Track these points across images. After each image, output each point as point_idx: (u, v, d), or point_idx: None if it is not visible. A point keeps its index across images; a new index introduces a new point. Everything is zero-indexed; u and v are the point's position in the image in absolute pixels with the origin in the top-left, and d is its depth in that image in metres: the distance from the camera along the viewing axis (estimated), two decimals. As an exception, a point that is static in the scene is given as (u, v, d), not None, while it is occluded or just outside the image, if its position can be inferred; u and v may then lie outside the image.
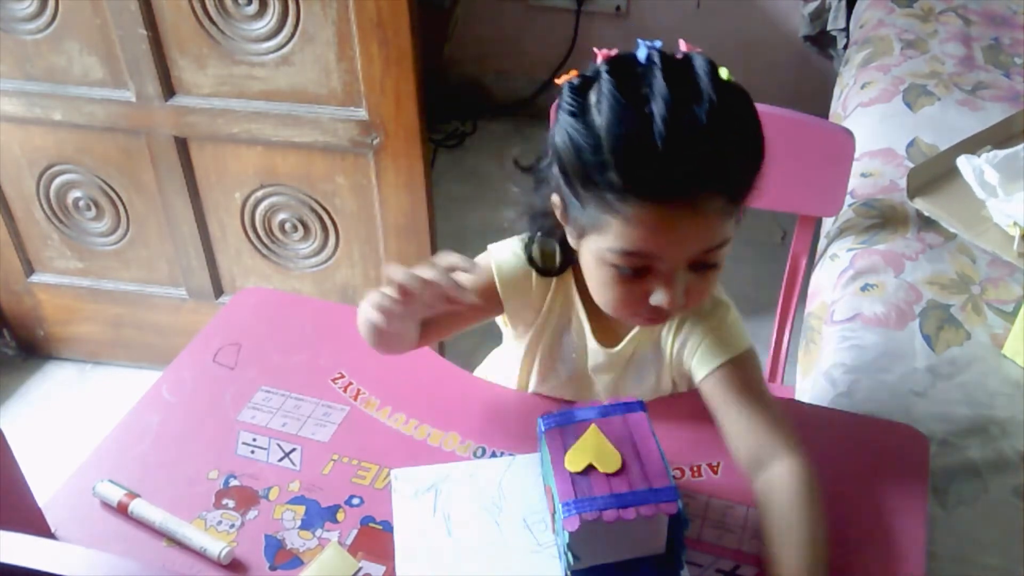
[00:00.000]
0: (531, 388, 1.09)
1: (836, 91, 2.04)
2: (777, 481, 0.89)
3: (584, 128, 0.81)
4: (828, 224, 1.64)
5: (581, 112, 0.82)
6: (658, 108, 0.78)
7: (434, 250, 1.87)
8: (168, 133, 1.79)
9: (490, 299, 1.01)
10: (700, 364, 0.98)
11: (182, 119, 1.77)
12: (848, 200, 1.57)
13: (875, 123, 1.76)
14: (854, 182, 1.59)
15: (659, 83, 0.79)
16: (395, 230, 1.84)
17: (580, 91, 0.84)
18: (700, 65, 0.82)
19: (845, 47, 2.35)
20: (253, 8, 1.63)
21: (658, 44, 0.84)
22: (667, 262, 0.85)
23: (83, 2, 1.66)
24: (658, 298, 0.86)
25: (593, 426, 0.87)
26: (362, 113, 1.70)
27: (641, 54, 0.83)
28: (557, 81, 0.87)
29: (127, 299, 2.07)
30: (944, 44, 1.97)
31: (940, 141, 1.67)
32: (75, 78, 1.76)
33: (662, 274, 0.85)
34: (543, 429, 0.88)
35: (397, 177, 1.76)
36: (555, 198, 0.90)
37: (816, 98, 2.19)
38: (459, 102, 2.92)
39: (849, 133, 1.39)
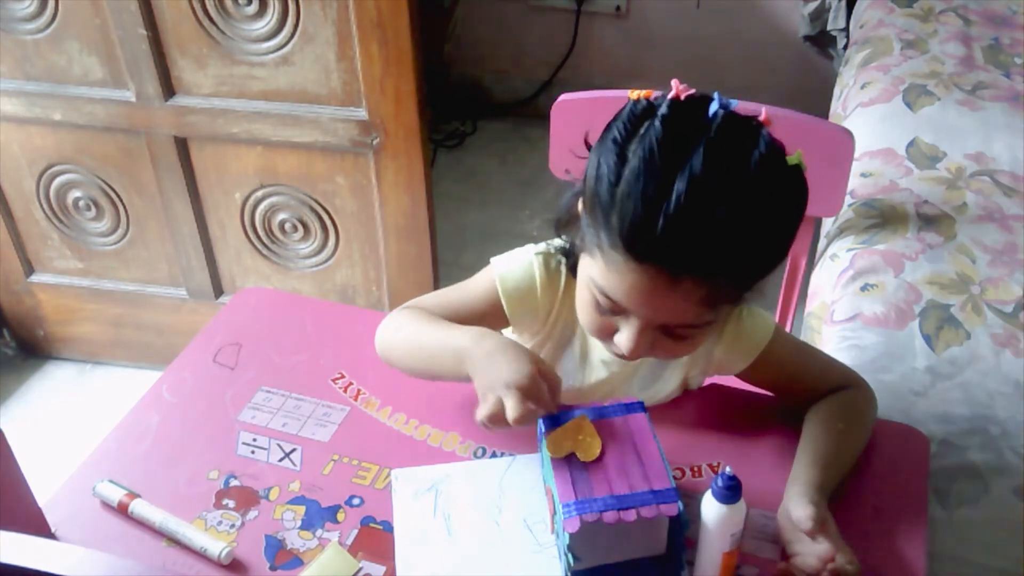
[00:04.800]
0: None
1: (836, 91, 2.04)
2: (820, 404, 0.98)
3: (615, 163, 0.80)
4: (828, 224, 1.64)
5: (623, 144, 0.81)
6: (681, 186, 0.76)
7: (434, 250, 1.87)
8: (168, 133, 1.79)
9: (494, 314, 1.01)
10: (738, 359, 1.00)
11: (182, 119, 1.77)
12: (848, 200, 1.57)
13: (875, 123, 1.76)
14: (854, 182, 1.59)
15: (699, 158, 0.76)
16: (395, 230, 1.84)
17: (637, 120, 0.82)
18: (758, 150, 0.79)
19: (845, 47, 2.35)
20: (253, 8, 1.63)
21: (734, 104, 0.81)
22: (636, 316, 0.85)
23: (83, 2, 1.66)
24: (620, 339, 0.87)
25: (582, 415, 0.87)
26: (362, 113, 1.70)
27: (712, 107, 0.81)
28: (631, 95, 0.84)
29: (127, 299, 2.07)
30: (944, 44, 1.97)
31: (940, 141, 1.67)
32: (75, 78, 1.76)
33: (632, 322, 0.86)
34: (543, 430, 0.88)
35: (397, 177, 1.76)
36: (580, 203, 0.89)
37: (816, 98, 2.19)
38: (459, 102, 2.92)
39: (849, 133, 1.39)
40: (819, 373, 1.03)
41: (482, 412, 0.86)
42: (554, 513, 0.86)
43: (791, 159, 0.82)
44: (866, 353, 1.29)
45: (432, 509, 0.93)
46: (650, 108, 0.82)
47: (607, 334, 0.90)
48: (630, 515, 0.79)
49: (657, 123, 0.79)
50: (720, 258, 0.79)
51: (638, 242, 0.79)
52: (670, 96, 0.82)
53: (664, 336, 0.87)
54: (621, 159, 0.80)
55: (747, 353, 0.99)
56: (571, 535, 0.79)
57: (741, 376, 1.03)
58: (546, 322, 1.02)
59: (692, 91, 0.82)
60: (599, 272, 0.84)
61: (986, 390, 1.23)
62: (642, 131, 0.80)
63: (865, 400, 1.01)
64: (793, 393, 1.03)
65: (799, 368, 1.03)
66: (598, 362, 1.02)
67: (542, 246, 1.01)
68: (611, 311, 0.87)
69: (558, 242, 0.99)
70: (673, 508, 0.80)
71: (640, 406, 0.89)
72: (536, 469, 0.96)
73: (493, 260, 1.01)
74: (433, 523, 0.92)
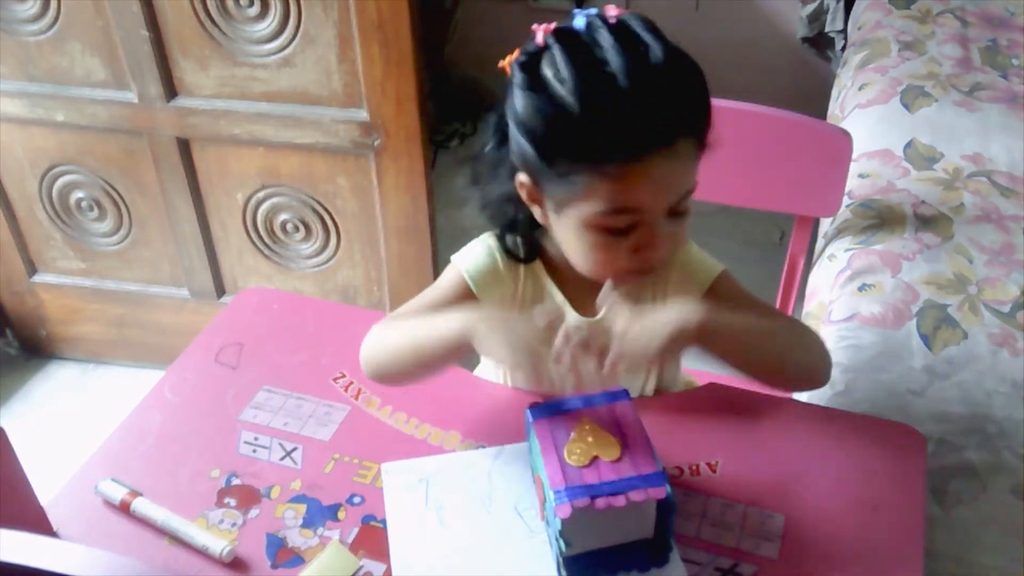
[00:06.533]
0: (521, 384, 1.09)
1: (834, 92, 2.04)
2: None
3: (549, 100, 0.83)
4: (826, 224, 1.64)
5: (540, 86, 0.84)
6: (616, 63, 0.81)
7: (434, 250, 1.88)
8: (170, 134, 1.80)
9: (466, 305, 1.01)
10: (688, 294, 1.00)
11: (184, 120, 1.77)
12: (846, 201, 1.58)
13: (873, 124, 1.76)
14: (852, 183, 1.60)
15: (608, 40, 0.82)
16: (396, 231, 1.84)
17: (531, 67, 0.86)
18: (636, 22, 0.85)
19: (843, 49, 2.36)
20: (255, 10, 1.63)
21: (594, 11, 0.87)
22: (651, 213, 0.87)
23: (85, 3, 1.67)
24: (646, 252, 0.89)
25: (584, 417, 0.88)
26: (363, 114, 1.70)
27: (579, 23, 0.86)
28: (502, 64, 0.89)
29: (129, 299, 2.08)
30: (942, 45, 1.97)
31: (938, 142, 1.68)
32: (77, 79, 1.77)
33: (646, 226, 0.88)
34: (531, 420, 0.89)
35: (398, 178, 1.77)
36: (522, 177, 0.91)
37: (814, 99, 2.20)
38: (459, 103, 2.93)
39: (846, 134, 1.39)
40: (770, 313, 1.03)
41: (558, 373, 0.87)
42: (544, 500, 0.87)
43: None
44: (863, 353, 1.29)
45: (424, 501, 0.94)
46: (533, 53, 0.86)
47: (625, 260, 0.90)
48: (620, 500, 0.80)
49: (556, 46, 0.84)
50: (688, 101, 0.84)
51: (625, 140, 0.82)
52: (541, 35, 0.87)
53: (669, 224, 0.89)
54: (552, 96, 0.83)
55: (697, 285, 1.00)
56: (563, 521, 0.80)
57: None
58: (515, 296, 1.03)
59: (552, 24, 0.87)
60: (603, 197, 0.86)
61: (983, 389, 1.23)
62: (547, 67, 0.84)
63: (809, 331, 1.02)
64: None
65: (750, 306, 1.02)
66: (578, 321, 1.02)
67: (491, 233, 1.03)
68: (623, 231, 0.88)
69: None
70: (661, 491, 0.81)
71: (625, 394, 0.91)
72: (524, 458, 0.97)
73: (453, 257, 1.04)
74: (425, 514, 0.93)
